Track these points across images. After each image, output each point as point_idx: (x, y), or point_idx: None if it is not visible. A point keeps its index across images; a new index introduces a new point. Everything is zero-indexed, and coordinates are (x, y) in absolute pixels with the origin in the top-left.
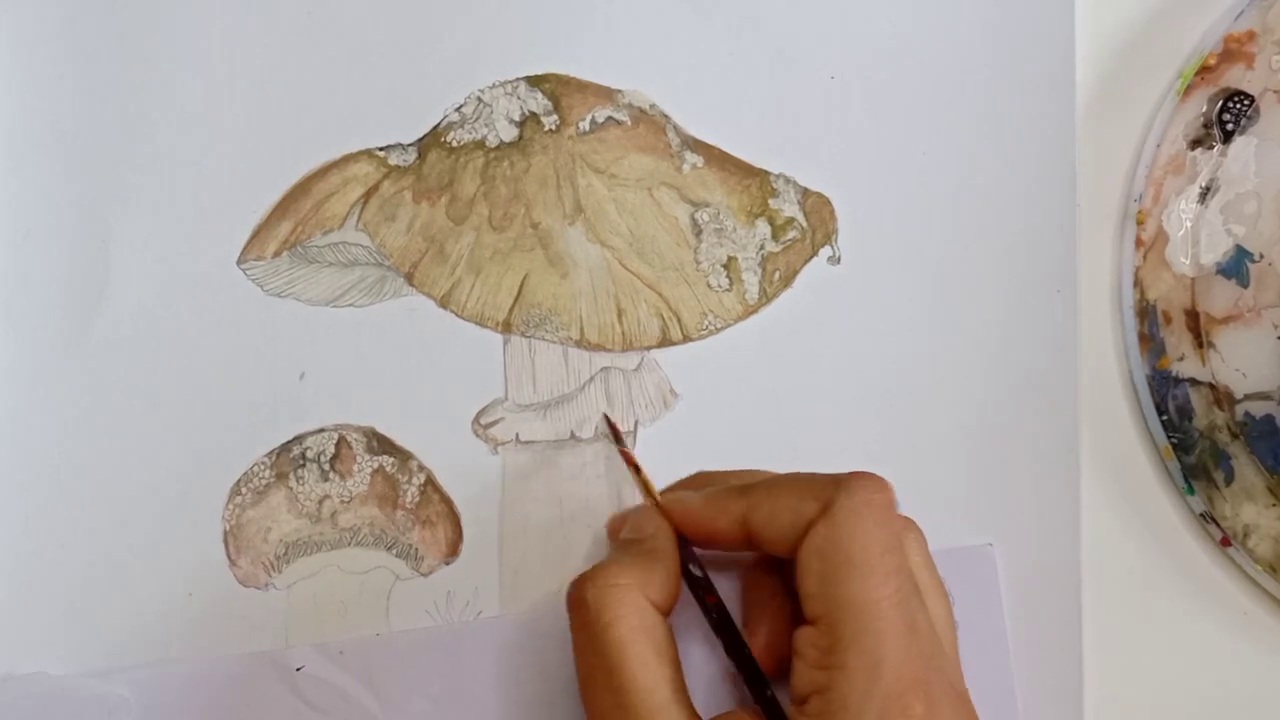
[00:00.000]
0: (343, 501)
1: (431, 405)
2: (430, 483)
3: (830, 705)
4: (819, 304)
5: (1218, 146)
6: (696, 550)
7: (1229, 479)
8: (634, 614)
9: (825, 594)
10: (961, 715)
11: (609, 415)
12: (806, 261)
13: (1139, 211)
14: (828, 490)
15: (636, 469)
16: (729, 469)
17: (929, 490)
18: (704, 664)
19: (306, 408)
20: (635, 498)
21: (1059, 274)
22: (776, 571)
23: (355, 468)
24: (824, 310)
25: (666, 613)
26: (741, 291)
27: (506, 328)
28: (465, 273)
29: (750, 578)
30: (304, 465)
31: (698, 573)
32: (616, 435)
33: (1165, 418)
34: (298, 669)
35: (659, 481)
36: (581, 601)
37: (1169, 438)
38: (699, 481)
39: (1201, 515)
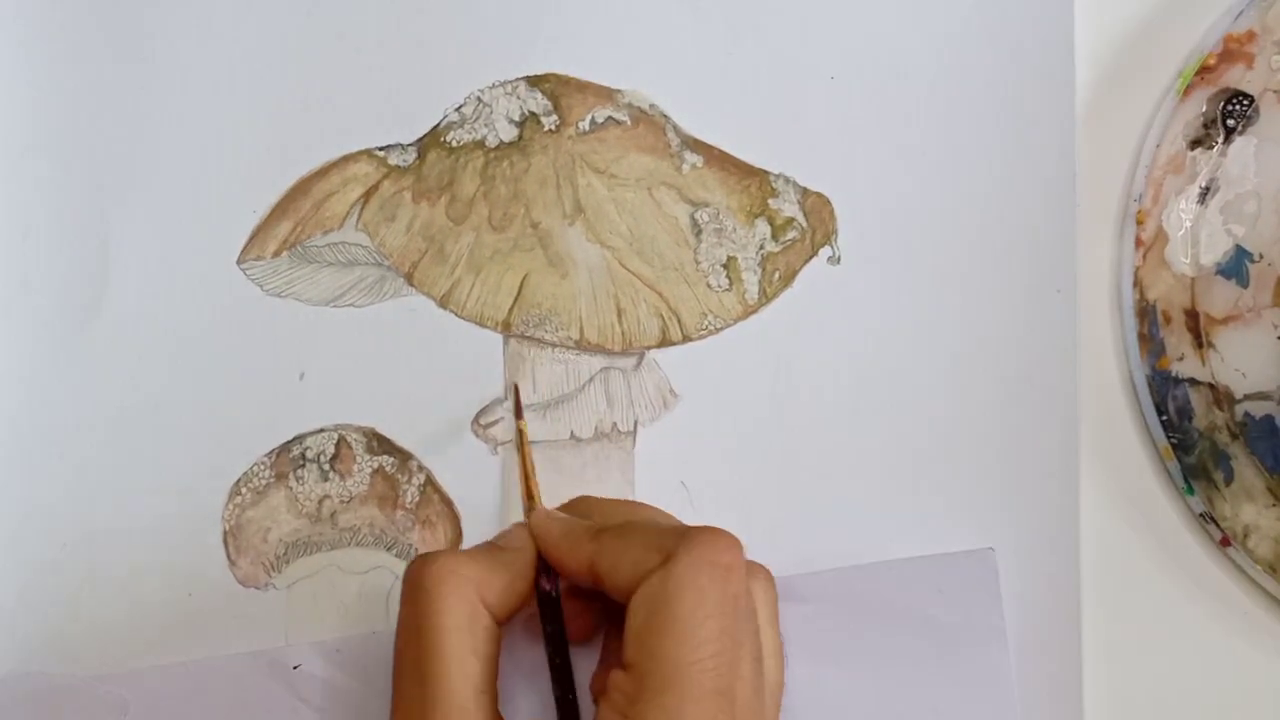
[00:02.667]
0: (342, 501)
1: (431, 405)
2: (430, 483)
3: None
4: (819, 304)
5: (1218, 146)
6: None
7: (1229, 479)
8: (462, 607)
9: (642, 642)
10: None
11: (518, 387)
12: (806, 261)
13: (1139, 211)
14: (670, 543)
15: (526, 470)
16: (617, 498)
17: (927, 488)
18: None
19: (306, 408)
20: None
21: (1059, 274)
22: None
23: (355, 468)
24: (824, 310)
25: (500, 620)
26: (741, 291)
27: (506, 328)
28: (465, 273)
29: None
30: (304, 465)
31: (553, 593)
32: (518, 408)
33: (1165, 418)
34: (295, 667)
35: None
36: (417, 580)
37: (1169, 438)
38: (579, 508)
39: (1201, 515)
